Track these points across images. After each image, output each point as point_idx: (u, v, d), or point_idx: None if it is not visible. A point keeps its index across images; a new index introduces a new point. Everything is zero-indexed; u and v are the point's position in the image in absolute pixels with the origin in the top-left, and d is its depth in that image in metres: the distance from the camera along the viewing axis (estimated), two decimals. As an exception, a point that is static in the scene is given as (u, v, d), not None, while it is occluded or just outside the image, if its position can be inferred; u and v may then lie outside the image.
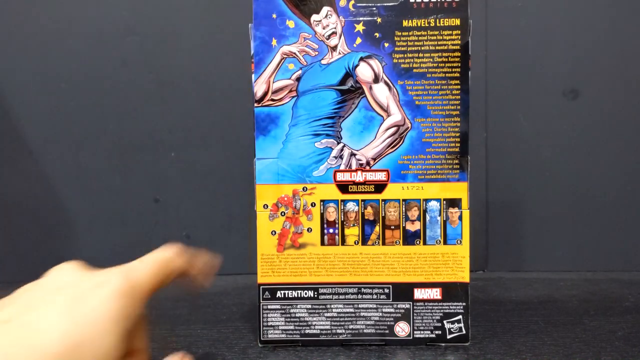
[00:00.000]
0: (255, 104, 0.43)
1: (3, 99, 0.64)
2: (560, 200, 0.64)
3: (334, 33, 0.42)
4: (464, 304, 0.43)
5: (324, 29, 0.42)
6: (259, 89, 0.42)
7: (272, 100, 0.43)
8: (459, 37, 0.41)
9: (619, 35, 0.62)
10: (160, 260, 0.32)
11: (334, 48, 0.42)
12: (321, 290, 0.43)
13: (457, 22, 0.41)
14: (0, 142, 0.65)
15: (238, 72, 0.60)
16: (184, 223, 0.65)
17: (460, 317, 0.43)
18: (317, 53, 0.42)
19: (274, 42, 0.42)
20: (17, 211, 0.65)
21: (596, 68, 0.63)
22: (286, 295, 0.43)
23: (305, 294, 0.43)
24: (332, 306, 0.43)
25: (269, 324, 0.44)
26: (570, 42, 0.63)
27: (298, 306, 0.43)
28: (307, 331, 0.43)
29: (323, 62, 0.42)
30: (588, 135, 0.63)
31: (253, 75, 0.42)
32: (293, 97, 0.43)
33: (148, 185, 0.65)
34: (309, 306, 0.43)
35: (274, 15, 0.42)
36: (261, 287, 0.43)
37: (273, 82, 0.42)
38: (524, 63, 0.63)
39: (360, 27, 0.42)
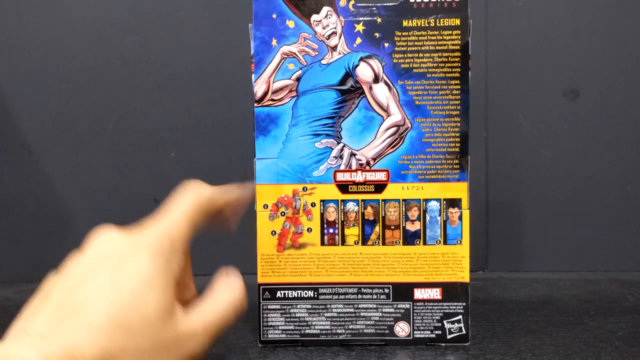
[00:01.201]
0: (255, 104, 0.43)
1: (3, 99, 0.64)
2: (560, 200, 0.64)
3: (334, 33, 0.42)
4: (464, 304, 0.43)
5: (324, 29, 0.42)
6: (259, 89, 0.42)
7: (272, 100, 0.42)
8: (459, 37, 0.41)
9: (619, 35, 0.62)
10: (194, 205, 0.32)
11: (334, 48, 0.42)
12: (321, 290, 0.43)
13: (457, 22, 0.41)
14: (0, 142, 0.65)
15: (238, 72, 0.60)
16: (184, 223, 0.65)
17: (460, 317, 0.43)
18: (317, 53, 0.42)
19: (274, 42, 0.42)
20: (17, 211, 0.65)
21: (596, 68, 0.63)
22: (286, 295, 0.43)
23: (305, 294, 0.43)
24: (332, 306, 0.43)
25: (269, 324, 0.44)
26: (570, 42, 0.63)
27: (298, 306, 0.43)
28: (307, 331, 0.43)
29: (323, 62, 0.42)
30: (588, 135, 0.63)
31: (253, 75, 0.42)
32: (293, 97, 0.42)
33: (148, 185, 0.65)
34: (309, 306, 0.43)
35: (274, 15, 0.42)
36: (261, 287, 0.43)
37: (273, 82, 0.42)
38: (524, 63, 0.63)
39: (360, 27, 0.42)
